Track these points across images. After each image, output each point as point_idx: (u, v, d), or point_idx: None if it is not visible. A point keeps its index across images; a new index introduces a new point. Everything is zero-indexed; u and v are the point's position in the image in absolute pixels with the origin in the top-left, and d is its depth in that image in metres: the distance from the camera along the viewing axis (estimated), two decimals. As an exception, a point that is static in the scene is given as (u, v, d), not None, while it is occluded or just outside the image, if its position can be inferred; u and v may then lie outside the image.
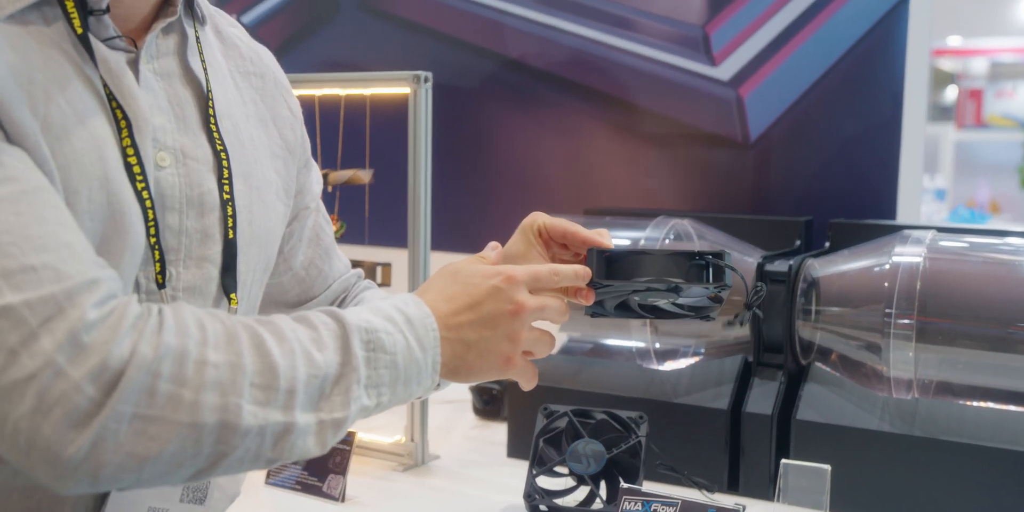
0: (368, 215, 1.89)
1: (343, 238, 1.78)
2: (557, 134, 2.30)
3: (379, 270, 1.65)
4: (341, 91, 1.68)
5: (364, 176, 1.69)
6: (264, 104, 1.12)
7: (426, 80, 1.59)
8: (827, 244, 1.82)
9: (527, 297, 0.95)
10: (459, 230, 2.38)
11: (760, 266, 1.61)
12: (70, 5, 0.89)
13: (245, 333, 0.82)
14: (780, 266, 1.59)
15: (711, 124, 2.15)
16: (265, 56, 1.16)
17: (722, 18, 2.13)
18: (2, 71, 0.81)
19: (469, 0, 2.38)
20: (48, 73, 0.86)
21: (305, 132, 1.19)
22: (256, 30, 2.61)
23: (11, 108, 0.81)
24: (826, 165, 2.04)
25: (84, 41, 0.89)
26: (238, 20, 1.18)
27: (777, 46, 2.08)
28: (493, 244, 1.07)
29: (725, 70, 2.14)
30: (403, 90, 1.61)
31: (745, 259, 1.64)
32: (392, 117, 1.76)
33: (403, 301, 0.93)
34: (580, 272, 1.01)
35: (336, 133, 1.81)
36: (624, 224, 1.78)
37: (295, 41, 2.60)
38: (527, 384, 1.02)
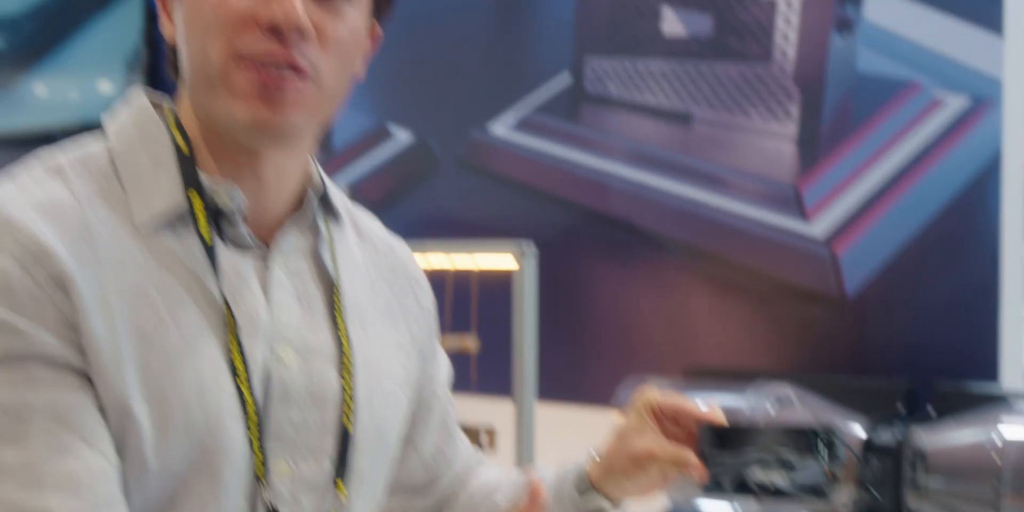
0: (476, 379, 1.93)
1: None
2: (654, 289, 2.34)
3: (484, 436, 1.68)
4: (445, 255, 1.74)
5: (471, 344, 1.74)
6: (394, 298, 1.14)
7: (529, 249, 1.64)
8: (930, 410, 1.80)
9: None
10: (562, 381, 2.40)
11: (867, 441, 1.60)
12: (201, 216, 0.93)
13: None
14: (887, 438, 1.59)
15: (806, 280, 2.17)
16: (399, 250, 1.19)
17: (814, 176, 2.17)
18: (111, 287, 0.86)
19: (567, 160, 2.46)
20: (166, 292, 0.90)
21: (436, 322, 1.21)
22: (359, 187, 2.72)
23: (92, 322, 0.84)
24: (924, 323, 2.04)
25: (210, 249, 0.93)
26: (341, 178, 1.23)
27: (871, 203, 2.11)
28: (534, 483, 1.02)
29: (818, 227, 2.17)
30: (509, 262, 1.66)
31: (851, 428, 1.64)
32: (496, 276, 1.82)
33: None
34: (680, 458, 1.03)
35: (442, 298, 1.87)
36: (725, 388, 1.79)
37: (396, 197, 2.70)
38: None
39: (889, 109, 2.07)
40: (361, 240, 1.13)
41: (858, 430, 1.63)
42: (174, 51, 0.97)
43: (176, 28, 0.94)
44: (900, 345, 2.06)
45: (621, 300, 2.38)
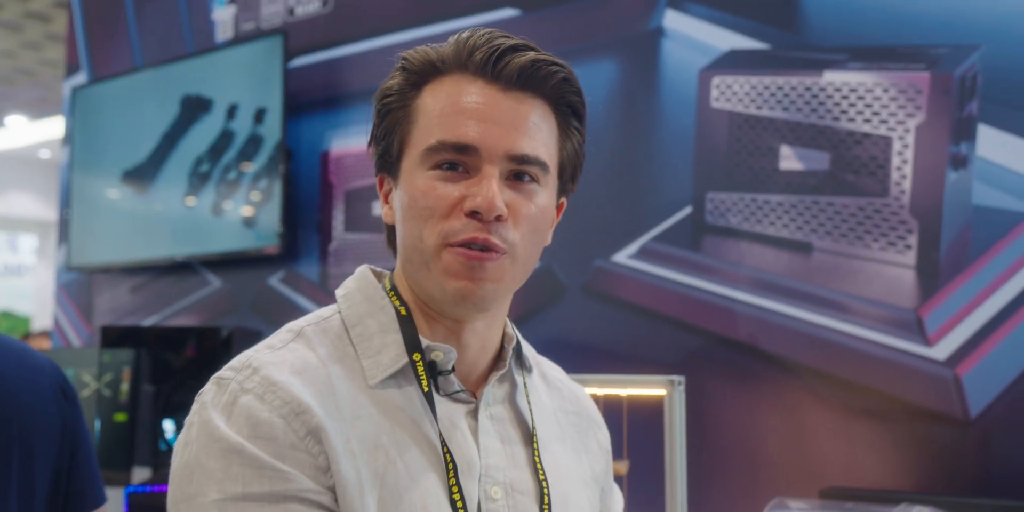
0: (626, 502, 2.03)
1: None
2: (782, 412, 2.43)
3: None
4: (599, 390, 1.87)
5: (622, 468, 1.85)
6: (578, 438, 1.27)
7: (680, 383, 1.77)
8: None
9: None
10: (706, 504, 2.47)
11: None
12: (420, 369, 1.08)
13: None
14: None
15: (930, 402, 2.24)
16: (581, 395, 1.33)
17: (935, 302, 2.27)
18: (352, 438, 1.00)
19: (689, 285, 2.59)
20: (393, 437, 1.04)
21: (611, 459, 1.34)
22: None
23: (340, 467, 0.99)
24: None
25: (430, 400, 1.07)
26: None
27: (994, 326, 2.19)
28: None
29: (941, 350, 2.25)
30: (659, 391, 1.78)
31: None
32: (641, 403, 1.94)
33: None
34: None
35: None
36: (864, 510, 1.87)
37: (524, 318, 2.85)
38: None
39: (1007, 240, 2.18)
40: (548, 387, 1.28)
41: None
42: (392, 230, 1.14)
43: (394, 213, 1.11)
44: (1028, 466, 2.12)
45: (749, 423, 2.47)
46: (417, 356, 1.08)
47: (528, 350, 1.25)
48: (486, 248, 1.02)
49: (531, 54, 1.05)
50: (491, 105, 1.04)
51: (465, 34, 1.07)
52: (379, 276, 1.17)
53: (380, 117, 1.10)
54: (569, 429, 1.27)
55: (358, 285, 1.15)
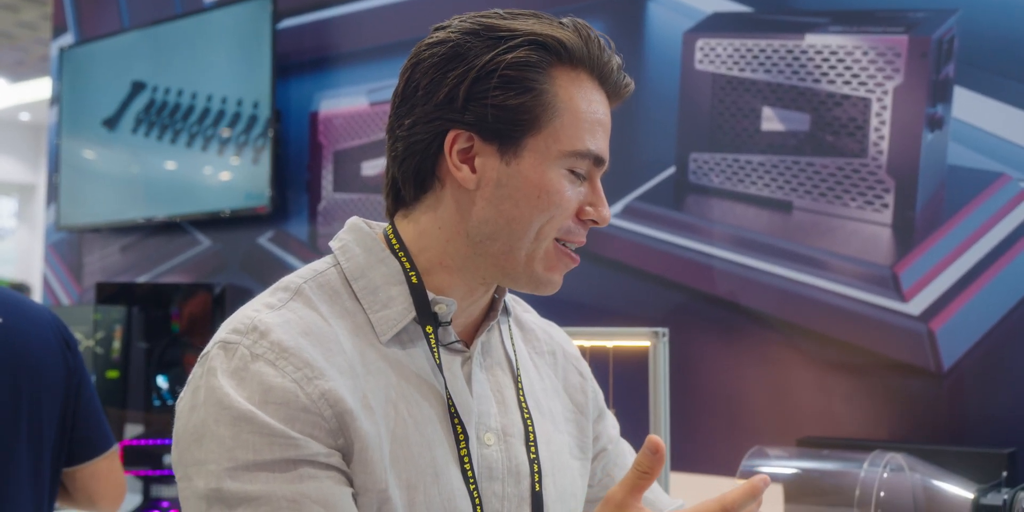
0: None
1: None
2: (760, 365, 2.51)
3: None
4: (586, 343, 1.94)
5: (608, 416, 1.92)
6: (556, 377, 1.31)
7: (664, 335, 1.84)
8: (1033, 476, 1.95)
9: None
10: (688, 452, 2.54)
11: (975, 500, 1.76)
12: (430, 328, 1.12)
13: None
14: (994, 499, 1.74)
15: (904, 355, 2.33)
16: (554, 333, 1.37)
17: (910, 259, 2.35)
18: (368, 394, 1.04)
19: (672, 243, 2.66)
20: (400, 391, 1.08)
21: (596, 387, 1.37)
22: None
23: (361, 424, 1.02)
24: (1020, 394, 2.19)
25: (437, 355, 1.11)
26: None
27: (967, 282, 2.27)
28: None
29: (915, 306, 2.33)
30: (644, 343, 1.85)
31: (961, 493, 1.79)
32: (626, 354, 2.01)
33: None
34: (755, 487, 0.95)
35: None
36: (841, 458, 1.95)
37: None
38: None
39: (980, 199, 2.25)
40: (523, 331, 1.32)
41: (968, 494, 1.78)
42: (458, 193, 1.10)
43: (485, 189, 1.09)
44: (997, 416, 2.20)
45: (730, 376, 2.56)
46: (425, 311, 1.12)
47: (508, 297, 1.29)
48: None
49: (621, 66, 1.16)
50: (608, 119, 1.14)
51: (580, 25, 1.12)
52: (372, 227, 1.18)
53: (512, 87, 1.07)
54: (545, 369, 1.31)
55: (355, 237, 1.15)
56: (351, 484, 1.02)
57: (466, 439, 1.10)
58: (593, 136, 1.10)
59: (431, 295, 1.12)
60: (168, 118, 4.00)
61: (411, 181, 1.13)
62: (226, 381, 1.00)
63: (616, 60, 1.14)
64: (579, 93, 1.10)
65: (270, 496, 0.97)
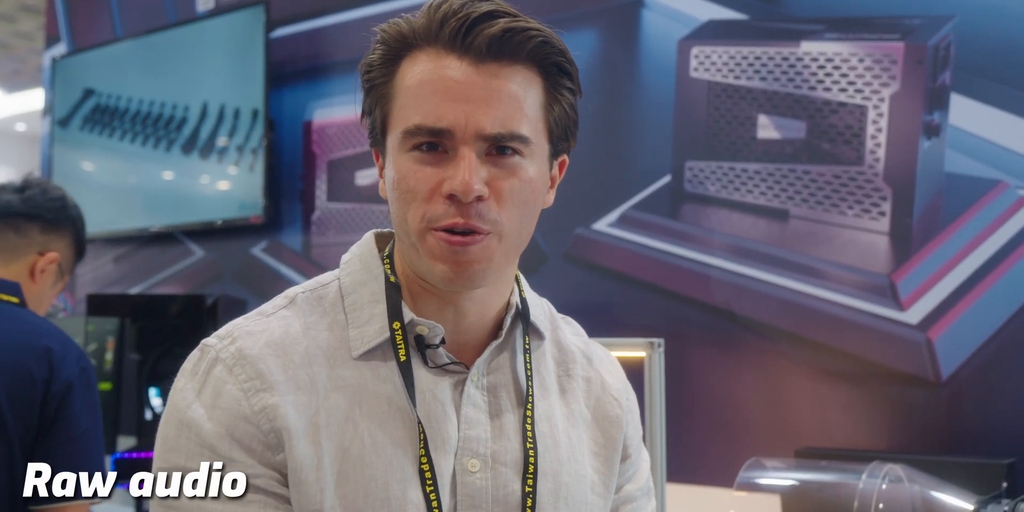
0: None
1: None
2: (757, 375, 2.49)
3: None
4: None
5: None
6: (588, 405, 1.23)
7: (659, 345, 1.81)
8: (1033, 486, 1.93)
9: None
10: (684, 463, 2.52)
11: (975, 511, 1.74)
12: (399, 340, 1.08)
13: None
14: (994, 510, 1.72)
15: (903, 365, 2.30)
16: (597, 359, 1.27)
17: (908, 268, 2.33)
18: (323, 411, 1.03)
19: (668, 252, 2.64)
20: (367, 409, 1.05)
21: (636, 423, 1.29)
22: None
23: (296, 444, 1.01)
24: (1020, 403, 2.16)
25: (406, 373, 1.07)
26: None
27: (965, 290, 2.25)
28: None
29: (913, 314, 2.31)
30: (639, 354, 1.83)
31: (960, 505, 1.77)
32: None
33: None
34: None
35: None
36: (839, 469, 1.93)
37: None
38: None
39: (978, 206, 2.23)
40: (561, 352, 1.24)
41: (968, 506, 1.76)
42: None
43: (386, 190, 1.09)
44: (996, 425, 2.18)
45: (727, 386, 2.53)
46: (397, 325, 1.08)
47: (543, 315, 1.22)
48: (468, 231, 1.02)
49: (502, 22, 1.02)
50: (464, 83, 1.01)
51: (437, 1, 1.04)
52: (385, 241, 1.16)
53: (366, 92, 1.08)
54: (575, 394, 1.23)
55: (360, 252, 1.15)
56: (281, 504, 1.03)
57: (430, 467, 1.06)
58: (426, 107, 1.02)
59: (412, 316, 1.09)
60: (162, 128, 3.98)
61: None
62: (189, 384, 1.05)
63: (475, 12, 1.02)
64: (417, 71, 1.03)
65: (189, 508, 1.01)
